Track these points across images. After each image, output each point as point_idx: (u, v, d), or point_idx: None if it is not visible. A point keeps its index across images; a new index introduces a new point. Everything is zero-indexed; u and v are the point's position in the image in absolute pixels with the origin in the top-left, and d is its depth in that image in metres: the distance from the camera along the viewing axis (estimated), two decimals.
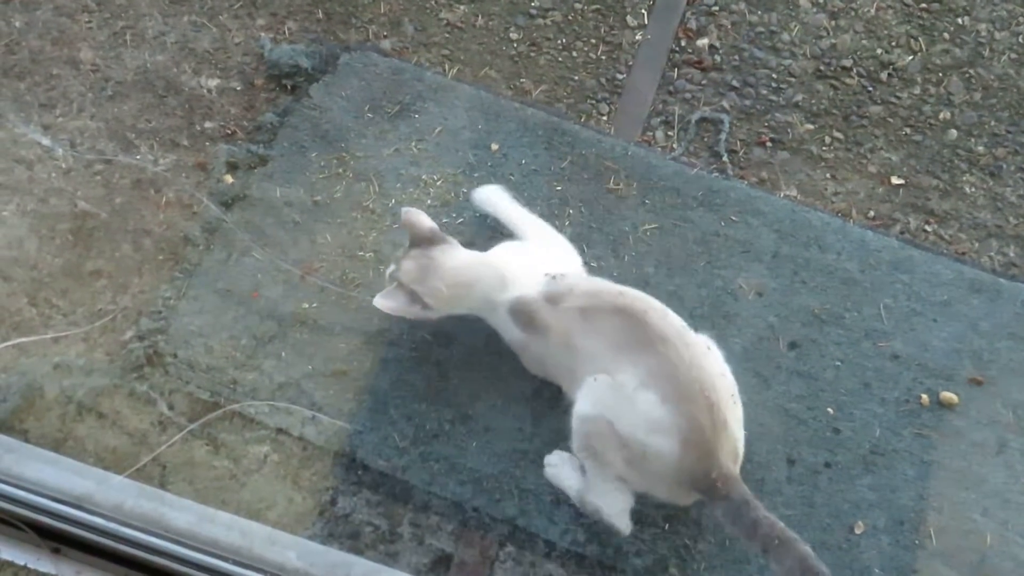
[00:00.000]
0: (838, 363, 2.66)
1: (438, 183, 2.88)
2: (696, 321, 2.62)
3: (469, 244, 2.62)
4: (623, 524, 2.38)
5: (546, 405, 2.54)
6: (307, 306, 2.70)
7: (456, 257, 2.45)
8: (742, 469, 2.39)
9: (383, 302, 2.43)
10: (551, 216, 2.83)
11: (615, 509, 2.36)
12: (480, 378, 2.59)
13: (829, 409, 2.61)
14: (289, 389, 2.59)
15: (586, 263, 2.75)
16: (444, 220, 2.81)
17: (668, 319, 2.28)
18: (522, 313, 2.40)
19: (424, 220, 2.48)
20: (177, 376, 2.59)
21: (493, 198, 2.75)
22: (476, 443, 2.54)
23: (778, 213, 2.87)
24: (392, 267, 2.49)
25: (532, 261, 2.49)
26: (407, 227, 2.48)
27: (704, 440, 2.19)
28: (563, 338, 2.35)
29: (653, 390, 2.21)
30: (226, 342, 2.64)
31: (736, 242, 2.82)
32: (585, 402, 2.30)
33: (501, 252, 2.55)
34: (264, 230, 2.80)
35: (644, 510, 2.43)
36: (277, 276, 2.73)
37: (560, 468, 2.46)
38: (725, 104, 3.07)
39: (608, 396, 2.27)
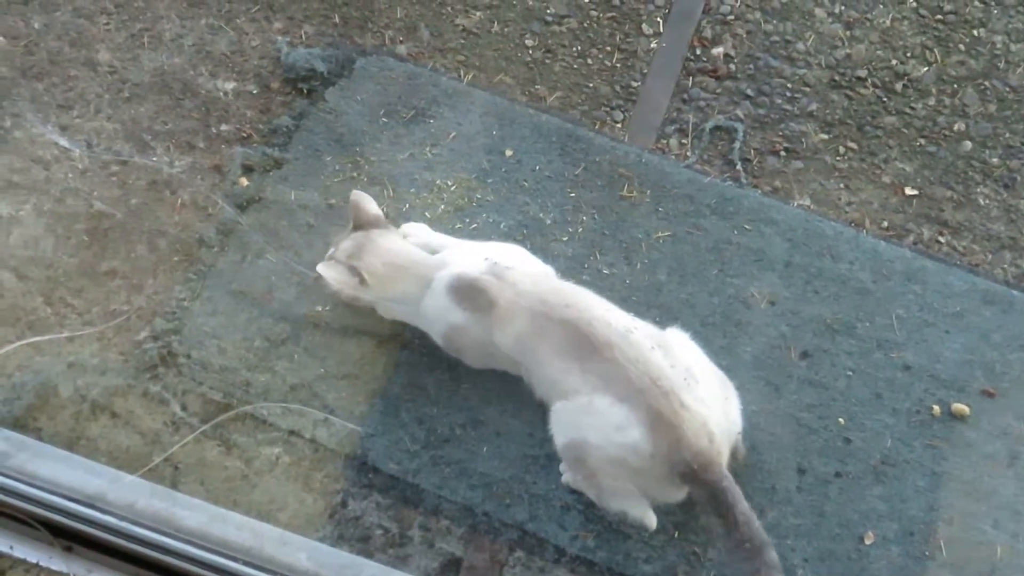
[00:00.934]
0: (850, 373, 2.66)
1: (452, 188, 2.88)
2: (708, 329, 2.67)
3: None
4: (649, 519, 2.40)
5: None
6: (320, 309, 2.71)
7: (394, 240, 2.52)
8: (750, 475, 2.41)
9: (325, 270, 2.46)
10: (564, 222, 2.84)
11: (637, 508, 2.39)
12: (491, 383, 2.59)
13: (840, 419, 2.60)
14: (301, 391, 2.59)
15: (598, 270, 2.76)
16: (458, 226, 2.81)
17: (612, 326, 2.31)
18: (463, 288, 2.39)
19: (371, 205, 2.54)
20: (190, 376, 2.60)
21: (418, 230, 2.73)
22: (487, 447, 2.54)
23: (791, 222, 2.87)
24: (331, 249, 2.53)
25: (476, 249, 2.51)
26: (352, 209, 2.53)
27: (667, 423, 2.22)
28: (510, 322, 2.36)
29: (608, 393, 2.26)
30: (239, 343, 2.65)
31: (749, 250, 2.82)
32: (558, 435, 2.36)
33: (448, 241, 2.60)
34: (278, 232, 2.81)
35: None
36: (291, 278, 2.74)
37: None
38: (739, 112, 3.07)
39: (572, 418, 2.32)
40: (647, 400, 2.23)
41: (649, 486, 2.33)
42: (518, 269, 2.42)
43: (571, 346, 2.30)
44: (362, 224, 2.53)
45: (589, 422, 2.28)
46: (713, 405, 2.31)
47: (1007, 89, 3.13)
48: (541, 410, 2.51)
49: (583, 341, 2.29)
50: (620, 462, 2.28)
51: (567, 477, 2.48)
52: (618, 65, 3.13)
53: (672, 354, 2.33)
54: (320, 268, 2.48)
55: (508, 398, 2.57)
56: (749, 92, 3.09)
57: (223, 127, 2.98)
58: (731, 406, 2.42)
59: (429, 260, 2.49)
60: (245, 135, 2.97)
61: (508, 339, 2.39)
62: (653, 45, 3.16)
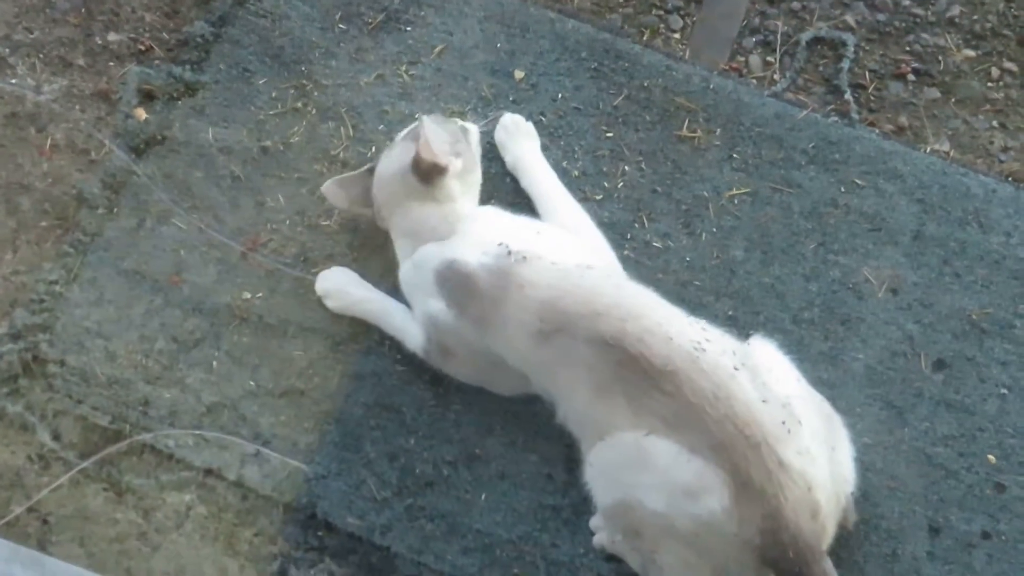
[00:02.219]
0: (1004, 391, 2.65)
1: None
2: (802, 328, 2.67)
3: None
4: None
5: None
6: (249, 296, 2.71)
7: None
8: (862, 536, 2.41)
9: (428, 126, 2.54)
10: (599, 174, 2.82)
11: None
12: (492, 403, 2.58)
13: (990, 456, 2.60)
14: (223, 414, 2.59)
15: (645, 242, 2.76)
16: None
17: (674, 343, 2.28)
18: (453, 281, 2.43)
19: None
20: (65, 393, 2.59)
21: (521, 150, 2.79)
22: (486, 495, 2.53)
23: (922, 176, 2.85)
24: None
25: (507, 226, 2.54)
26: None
27: (759, 491, 2.20)
28: (513, 340, 2.38)
29: (673, 438, 2.24)
30: (135, 345, 2.64)
31: (862, 216, 2.81)
32: (600, 492, 2.36)
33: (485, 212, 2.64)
34: (191, 187, 2.79)
35: None
36: (208, 253, 2.73)
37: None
38: (849, 19, 3.06)
39: (620, 470, 2.31)
40: (731, 457, 2.21)
41: (726, 570, 2.31)
42: (542, 261, 2.42)
43: (612, 375, 2.29)
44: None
45: (646, 480, 2.26)
46: (820, 462, 2.29)
47: None
48: (564, 439, 2.51)
49: (631, 366, 2.27)
50: (690, 539, 2.26)
51: (601, 537, 2.48)
52: None
53: (761, 380, 2.31)
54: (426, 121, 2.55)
55: (516, 423, 2.57)
56: None
57: (112, 36, 2.96)
58: (841, 455, 2.39)
59: (441, 211, 2.57)
60: (143, 48, 2.94)
61: (515, 357, 2.41)
62: None
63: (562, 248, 2.48)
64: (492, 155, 2.83)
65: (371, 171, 2.64)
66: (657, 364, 2.24)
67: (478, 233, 2.48)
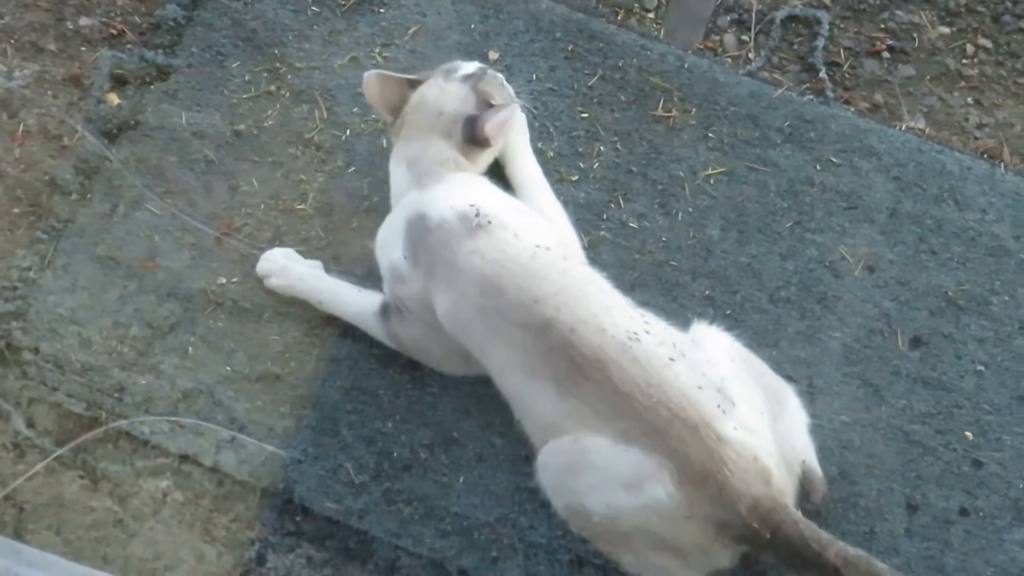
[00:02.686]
0: (981, 368, 2.66)
1: None
2: (779, 307, 2.67)
3: None
4: None
5: None
6: (224, 281, 2.70)
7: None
8: (841, 514, 2.43)
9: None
10: (574, 155, 2.82)
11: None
12: (469, 386, 2.58)
13: (967, 433, 2.61)
14: (198, 399, 2.58)
15: (621, 222, 2.76)
16: None
17: (607, 332, 2.27)
18: (416, 233, 2.45)
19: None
20: (40, 380, 2.58)
21: (510, 138, 2.77)
22: (464, 478, 2.53)
23: (898, 154, 2.86)
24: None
25: (487, 192, 2.54)
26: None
27: (702, 469, 2.19)
28: (450, 296, 2.39)
29: (604, 432, 2.23)
30: (109, 332, 2.64)
31: (838, 194, 2.81)
32: (552, 498, 2.37)
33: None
34: (164, 172, 2.78)
35: None
36: (182, 238, 2.72)
37: None
38: None
39: (561, 474, 2.31)
40: (667, 441, 2.20)
41: (693, 555, 2.31)
42: (504, 231, 2.41)
43: (543, 358, 2.28)
44: None
45: (586, 481, 2.26)
46: (761, 431, 2.28)
47: None
48: None
49: (560, 353, 2.27)
50: (643, 533, 2.26)
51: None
52: None
53: (698, 369, 2.30)
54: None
55: (492, 406, 2.55)
56: None
57: (83, 21, 2.95)
58: (790, 424, 2.39)
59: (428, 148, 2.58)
60: (115, 32, 2.93)
61: (453, 325, 2.40)
62: None
63: (531, 228, 2.47)
64: None
65: (412, 83, 2.64)
66: (586, 353, 2.24)
67: (458, 190, 2.48)
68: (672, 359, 2.27)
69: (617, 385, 2.22)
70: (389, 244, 2.51)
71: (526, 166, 2.74)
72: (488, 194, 2.52)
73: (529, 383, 2.31)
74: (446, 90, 2.60)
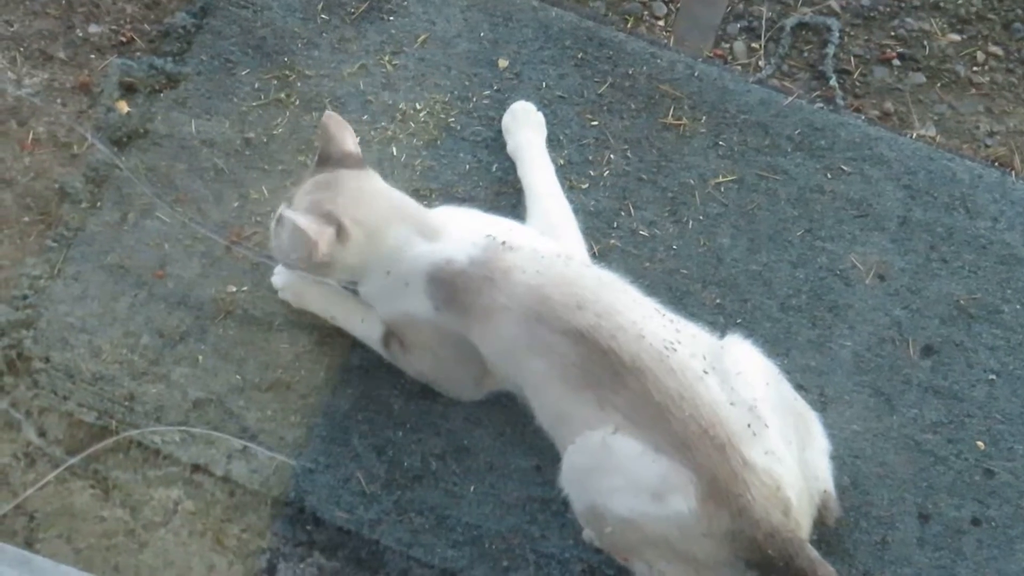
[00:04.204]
0: (992, 376, 2.66)
1: (421, 115, 2.87)
2: (790, 316, 2.66)
3: (463, 202, 2.66)
4: None
5: None
6: (235, 290, 2.69)
7: (373, 184, 2.49)
8: (853, 523, 2.42)
9: (294, 219, 2.35)
10: (584, 163, 2.82)
11: None
12: (485, 396, 2.57)
13: (979, 443, 2.60)
14: (209, 409, 2.58)
15: (631, 230, 2.75)
16: (429, 163, 2.81)
17: (646, 341, 2.27)
18: (447, 282, 2.39)
19: (346, 133, 2.50)
20: (50, 389, 2.58)
21: (524, 138, 2.78)
22: (475, 487, 2.53)
23: (908, 161, 2.85)
24: (283, 205, 2.47)
25: (483, 224, 2.50)
26: (321, 135, 2.49)
27: (725, 490, 2.19)
28: (494, 327, 2.36)
29: (637, 438, 2.23)
30: (120, 341, 2.63)
31: (848, 202, 2.81)
32: (574, 498, 2.36)
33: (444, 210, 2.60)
34: (173, 180, 2.78)
35: None
36: (192, 246, 2.72)
37: None
38: (834, 3, 3.06)
39: (589, 475, 2.30)
40: (696, 456, 2.20)
41: (706, 572, 2.29)
42: (526, 249, 2.40)
43: (582, 367, 2.28)
44: (330, 159, 2.48)
45: (612, 483, 2.25)
46: (788, 461, 2.28)
47: None
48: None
49: (600, 360, 2.26)
50: (661, 543, 2.26)
51: (590, 531, 2.46)
52: None
53: (730, 384, 2.30)
54: (290, 218, 2.37)
55: (503, 415, 2.56)
56: None
57: (92, 28, 2.94)
58: (815, 453, 2.39)
59: (414, 222, 2.46)
60: (124, 40, 2.93)
61: (492, 346, 2.39)
62: None
63: (536, 239, 2.49)
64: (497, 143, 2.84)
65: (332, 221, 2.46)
66: (626, 361, 2.24)
67: (463, 229, 2.45)
68: (705, 372, 2.27)
69: (653, 395, 2.22)
70: (394, 299, 2.46)
71: (534, 167, 2.74)
72: (487, 221, 2.51)
73: (568, 393, 2.30)
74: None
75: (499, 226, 2.49)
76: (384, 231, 2.43)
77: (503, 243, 2.39)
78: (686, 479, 2.19)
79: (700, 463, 2.18)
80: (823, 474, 2.37)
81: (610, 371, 2.25)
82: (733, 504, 2.17)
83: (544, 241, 2.51)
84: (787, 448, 2.28)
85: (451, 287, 2.39)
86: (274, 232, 2.46)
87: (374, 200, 2.46)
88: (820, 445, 2.41)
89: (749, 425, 2.23)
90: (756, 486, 2.18)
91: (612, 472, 2.24)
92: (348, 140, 2.50)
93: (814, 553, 2.20)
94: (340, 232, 2.39)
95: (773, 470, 2.21)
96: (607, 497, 2.26)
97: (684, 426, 2.19)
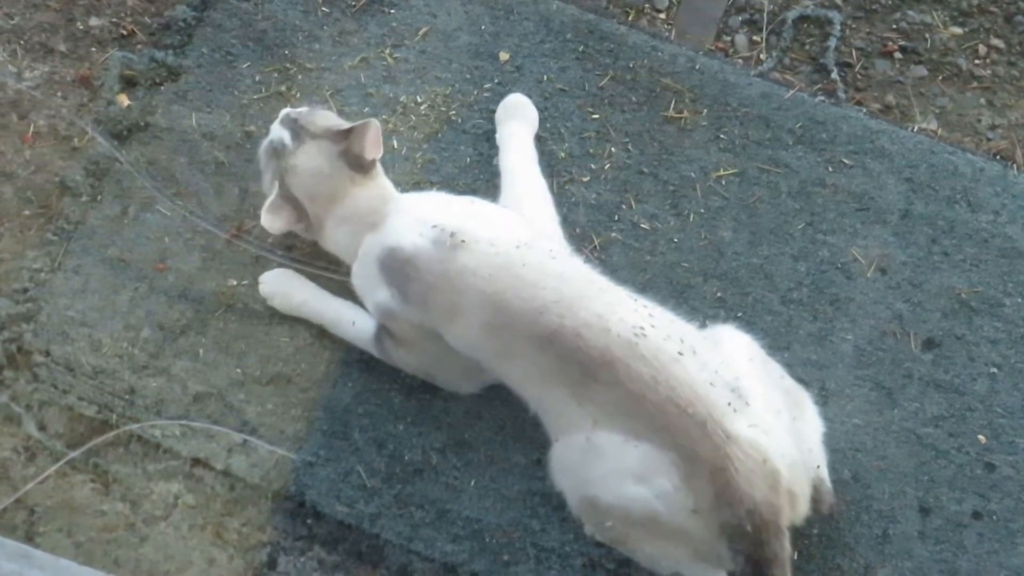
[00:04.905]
0: (994, 370, 2.65)
1: (422, 108, 2.86)
2: (791, 309, 2.66)
3: (464, 192, 2.67)
4: None
5: None
6: (235, 283, 2.69)
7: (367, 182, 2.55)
8: (853, 516, 2.43)
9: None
10: (585, 156, 2.81)
11: (695, 569, 2.36)
12: (481, 388, 2.57)
13: (980, 436, 2.59)
14: (209, 402, 2.58)
15: (633, 223, 2.74)
16: (430, 156, 2.80)
17: (612, 333, 2.25)
18: (395, 267, 2.41)
19: (376, 148, 2.52)
20: (50, 383, 2.58)
21: (510, 128, 2.78)
22: (475, 481, 2.53)
23: (910, 155, 2.84)
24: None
25: (438, 209, 2.50)
26: (357, 136, 2.49)
27: (708, 464, 2.19)
28: (460, 326, 2.36)
29: (615, 429, 2.24)
30: (120, 335, 2.63)
31: (850, 196, 2.80)
32: (566, 492, 2.38)
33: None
34: (174, 173, 2.78)
35: None
36: (193, 240, 2.72)
37: None
38: None
39: (574, 468, 2.32)
40: (676, 437, 2.20)
41: (701, 549, 2.29)
42: (480, 244, 2.38)
43: (555, 367, 2.28)
44: (348, 155, 2.51)
45: (598, 472, 2.26)
46: (776, 431, 2.28)
47: None
48: None
49: (570, 359, 2.26)
50: (651, 522, 2.26)
51: (590, 526, 2.46)
52: None
53: (709, 364, 2.29)
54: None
55: (504, 409, 2.55)
56: None
57: (93, 21, 2.94)
58: (806, 429, 2.39)
59: (372, 195, 2.52)
60: (125, 33, 2.92)
61: (462, 343, 2.39)
62: None
63: (496, 223, 2.46)
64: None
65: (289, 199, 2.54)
66: (595, 356, 2.24)
67: (410, 216, 2.45)
68: (681, 353, 2.26)
69: (626, 384, 2.22)
70: (369, 287, 2.48)
71: (511, 151, 2.74)
72: (441, 207, 2.50)
73: (545, 392, 2.32)
74: (310, 158, 2.51)
75: (458, 209, 2.48)
76: (338, 217, 2.50)
77: (452, 234, 2.37)
78: (668, 460, 2.19)
79: (681, 442, 2.19)
80: (814, 449, 2.38)
81: (580, 368, 2.25)
82: (717, 479, 2.18)
83: (508, 224, 2.49)
84: (776, 418, 2.28)
85: (404, 276, 2.39)
86: (294, 148, 2.52)
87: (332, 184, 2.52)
88: (813, 424, 2.41)
89: (730, 403, 2.23)
90: (740, 459, 2.18)
91: (597, 464, 2.26)
92: (371, 152, 2.50)
93: (785, 550, 2.21)
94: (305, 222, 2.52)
95: (759, 442, 2.21)
96: (596, 487, 2.27)
97: (662, 409, 2.20)
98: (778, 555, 2.21)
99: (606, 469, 2.25)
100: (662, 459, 2.20)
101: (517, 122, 2.79)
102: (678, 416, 2.20)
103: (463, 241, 2.36)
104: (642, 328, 2.26)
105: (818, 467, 2.37)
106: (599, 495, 2.27)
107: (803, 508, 2.29)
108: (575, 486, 2.33)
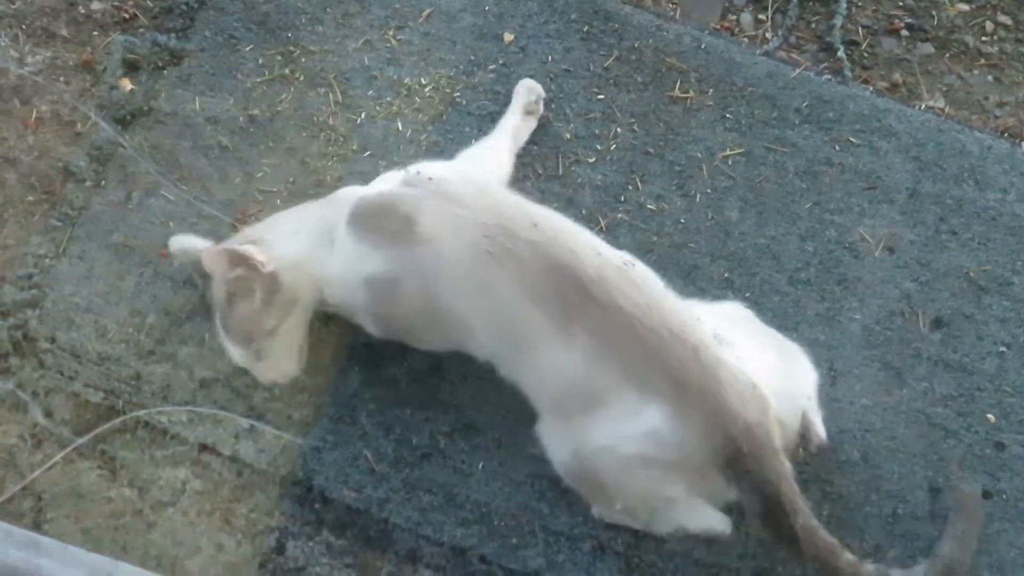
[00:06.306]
0: (1003, 349, 2.64)
1: (426, 90, 2.86)
2: (799, 289, 2.65)
3: None
4: (719, 523, 2.36)
5: None
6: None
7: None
8: (863, 495, 2.45)
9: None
10: (590, 136, 2.80)
11: (696, 517, 2.35)
12: (488, 372, 2.51)
13: (989, 416, 2.59)
14: (216, 388, 2.57)
15: (639, 204, 2.74)
16: (435, 138, 2.80)
17: (603, 256, 2.25)
18: (368, 214, 2.35)
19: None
20: (56, 370, 2.57)
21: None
22: (484, 464, 2.52)
23: (917, 133, 2.84)
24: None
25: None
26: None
27: (698, 388, 2.16)
28: (448, 247, 2.28)
29: (606, 361, 2.20)
30: (126, 321, 2.62)
31: (857, 175, 2.79)
32: (554, 457, 2.35)
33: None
34: (178, 158, 2.77)
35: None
36: (198, 225, 2.70)
37: None
38: None
39: (563, 423, 2.30)
40: (666, 363, 2.17)
41: (693, 485, 2.27)
42: (456, 180, 2.37)
43: (546, 278, 2.22)
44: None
45: (587, 419, 2.23)
46: (766, 365, 2.27)
47: None
48: None
49: (564, 273, 2.22)
50: (643, 463, 2.22)
51: (600, 506, 2.45)
52: None
53: (694, 307, 2.31)
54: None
55: (511, 393, 2.50)
56: None
57: (95, 5, 2.94)
58: (797, 369, 2.39)
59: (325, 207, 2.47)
60: (127, 16, 2.92)
61: (453, 276, 2.28)
62: None
63: (455, 168, 2.50)
64: None
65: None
66: (590, 273, 2.21)
67: (381, 179, 2.48)
68: (666, 288, 2.28)
69: (621, 305, 2.19)
70: (349, 273, 2.39)
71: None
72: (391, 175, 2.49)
73: (532, 308, 2.23)
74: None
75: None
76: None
77: (418, 172, 2.37)
78: (657, 390, 2.17)
79: (670, 369, 2.16)
80: (805, 386, 2.37)
81: (574, 283, 2.21)
82: (708, 402, 2.15)
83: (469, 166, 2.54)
84: (762, 353, 2.28)
85: (376, 216, 2.34)
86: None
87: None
88: (803, 365, 2.40)
89: (716, 336, 2.22)
90: (730, 383, 2.16)
91: (584, 401, 2.23)
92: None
93: (785, 465, 2.19)
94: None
95: (747, 370, 2.20)
96: (584, 434, 2.25)
97: (655, 334, 2.17)
98: (779, 471, 2.17)
99: (596, 414, 2.23)
100: (652, 389, 2.18)
101: (513, 114, 2.78)
102: (670, 340, 2.17)
103: (431, 179, 2.35)
104: (629, 262, 2.28)
105: (809, 399, 2.36)
106: (588, 441, 2.25)
107: (792, 441, 2.27)
108: (564, 443, 2.31)
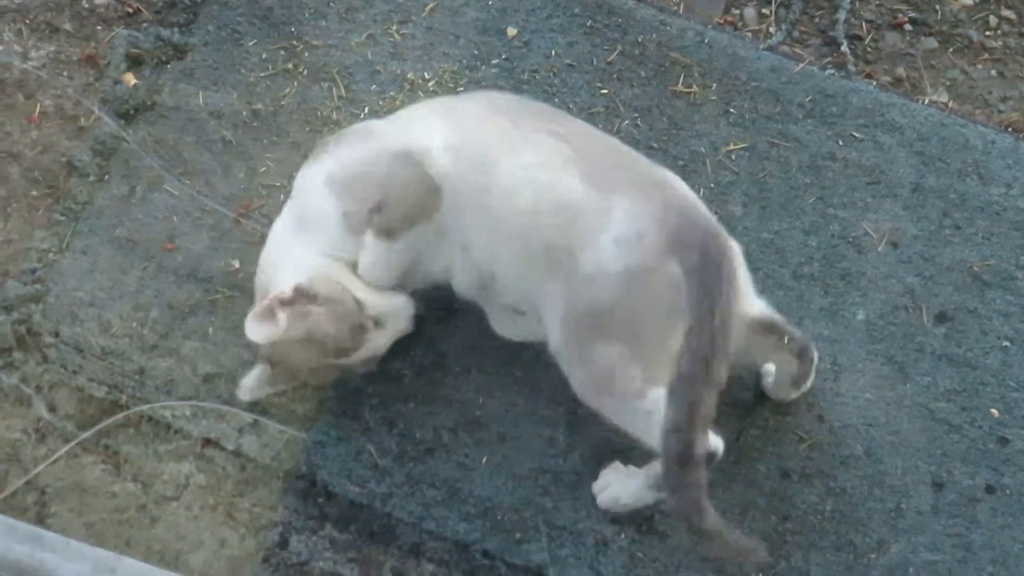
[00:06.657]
0: (1007, 343, 2.63)
1: (430, 84, 2.85)
2: (802, 283, 2.65)
3: None
4: (713, 443, 2.29)
5: None
6: (244, 263, 2.66)
7: None
8: (866, 490, 2.45)
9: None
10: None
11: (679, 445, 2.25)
12: (492, 366, 2.56)
13: (993, 410, 2.58)
14: (219, 383, 2.56)
15: None
16: None
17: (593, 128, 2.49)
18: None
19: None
20: (60, 364, 2.57)
21: None
22: (487, 459, 2.51)
23: (921, 128, 2.83)
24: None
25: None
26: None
27: (658, 183, 2.32)
28: (473, 141, 2.35)
29: (612, 211, 2.26)
30: (129, 315, 2.61)
31: (860, 169, 2.78)
32: (552, 329, 2.32)
33: None
34: (182, 153, 2.76)
35: None
36: (201, 219, 2.70)
37: (618, 486, 2.43)
38: None
39: (549, 261, 2.29)
40: (624, 165, 2.35)
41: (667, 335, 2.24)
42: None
43: (578, 156, 2.31)
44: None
45: (572, 262, 2.24)
46: None
47: None
48: (566, 405, 2.49)
49: (593, 154, 2.34)
50: (627, 279, 2.22)
51: (606, 496, 2.45)
52: None
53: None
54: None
55: (515, 386, 2.54)
56: None
57: (99, 0, 2.93)
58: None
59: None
60: (130, 11, 2.91)
61: (459, 170, 2.33)
62: None
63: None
64: None
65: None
66: (622, 154, 2.40)
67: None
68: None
69: (654, 172, 2.35)
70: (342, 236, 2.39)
71: None
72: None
73: (568, 182, 2.29)
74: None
75: None
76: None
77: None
78: (617, 187, 2.29)
79: (631, 172, 2.34)
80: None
81: (607, 161, 2.35)
82: (665, 193, 2.30)
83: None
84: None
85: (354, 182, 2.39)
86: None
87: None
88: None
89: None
90: (686, 200, 2.32)
91: (568, 249, 2.26)
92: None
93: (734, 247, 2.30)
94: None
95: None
96: (574, 272, 2.25)
97: (636, 171, 2.35)
98: (730, 274, 2.23)
99: (579, 256, 2.24)
100: (614, 189, 2.27)
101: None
102: (645, 174, 2.34)
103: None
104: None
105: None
106: (576, 267, 2.25)
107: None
108: (557, 297, 2.28)
